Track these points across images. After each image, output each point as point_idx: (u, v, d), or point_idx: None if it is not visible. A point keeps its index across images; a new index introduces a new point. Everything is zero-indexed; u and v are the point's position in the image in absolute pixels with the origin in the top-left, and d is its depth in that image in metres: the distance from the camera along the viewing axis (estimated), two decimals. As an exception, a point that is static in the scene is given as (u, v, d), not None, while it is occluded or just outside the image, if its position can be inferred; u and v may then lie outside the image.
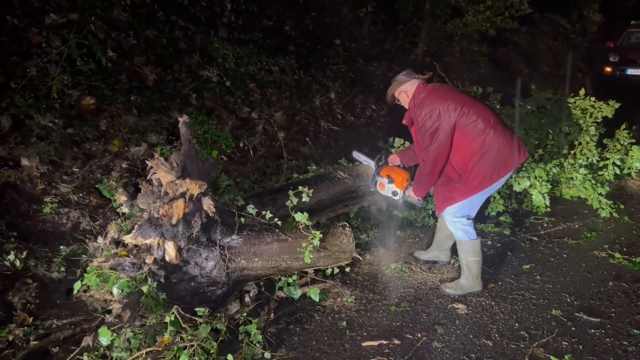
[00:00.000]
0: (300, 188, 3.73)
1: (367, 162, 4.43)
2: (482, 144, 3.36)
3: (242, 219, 3.51)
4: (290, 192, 3.68)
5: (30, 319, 3.04)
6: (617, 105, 5.45)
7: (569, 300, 3.67)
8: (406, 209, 5.01)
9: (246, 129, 5.95)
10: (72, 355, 2.67)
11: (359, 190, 4.46)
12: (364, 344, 3.16)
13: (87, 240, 3.59)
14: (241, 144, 5.63)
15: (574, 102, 5.62)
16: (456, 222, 3.65)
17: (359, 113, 7.71)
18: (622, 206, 5.42)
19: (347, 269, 3.94)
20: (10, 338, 2.86)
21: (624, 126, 5.73)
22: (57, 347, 2.89)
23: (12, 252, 3.35)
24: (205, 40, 6.60)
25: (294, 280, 3.68)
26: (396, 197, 4.05)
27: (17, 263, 3.33)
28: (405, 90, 3.61)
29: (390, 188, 4.04)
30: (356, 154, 4.53)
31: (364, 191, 4.48)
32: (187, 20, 6.66)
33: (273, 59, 7.27)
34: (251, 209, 3.61)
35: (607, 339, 3.19)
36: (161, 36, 6.13)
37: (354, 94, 7.98)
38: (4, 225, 3.58)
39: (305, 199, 3.73)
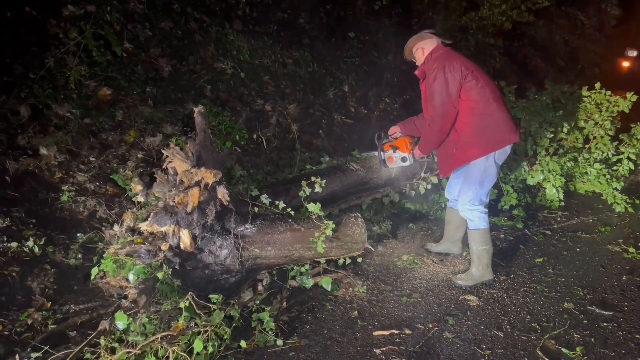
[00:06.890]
0: (312, 179, 3.76)
1: (374, 153, 4.46)
2: (483, 110, 3.44)
3: (256, 209, 3.55)
4: (304, 183, 3.71)
5: (49, 304, 3.12)
6: (634, 99, 5.39)
7: (582, 294, 3.65)
8: (419, 201, 5.02)
9: (260, 121, 5.97)
10: (89, 338, 2.73)
11: (371, 182, 4.47)
12: (375, 333, 3.18)
13: (103, 228, 3.67)
14: (255, 136, 5.66)
15: (589, 96, 5.56)
16: (474, 209, 3.67)
17: (373, 106, 7.69)
18: (637, 201, 5.37)
19: (359, 260, 3.96)
20: (29, 322, 2.94)
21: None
22: (75, 331, 2.96)
23: (31, 239, 3.43)
24: (220, 33, 6.63)
25: (306, 270, 3.71)
26: (407, 163, 4.11)
27: (36, 249, 3.41)
28: (423, 47, 3.68)
29: (397, 156, 4.11)
30: (364, 154, 4.59)
31: (376, 183, 4.50)
32: (202, 13, 6.69)
33: (287, 52, 7.28)
34: (265, 199, 3.64)
35: (620, 332, 3.18)
36: (176, 28, 6.17)
37: (367, 87, 7.96)
38: (23, 212, 3.65)
39: (317, 189, 3.76)
